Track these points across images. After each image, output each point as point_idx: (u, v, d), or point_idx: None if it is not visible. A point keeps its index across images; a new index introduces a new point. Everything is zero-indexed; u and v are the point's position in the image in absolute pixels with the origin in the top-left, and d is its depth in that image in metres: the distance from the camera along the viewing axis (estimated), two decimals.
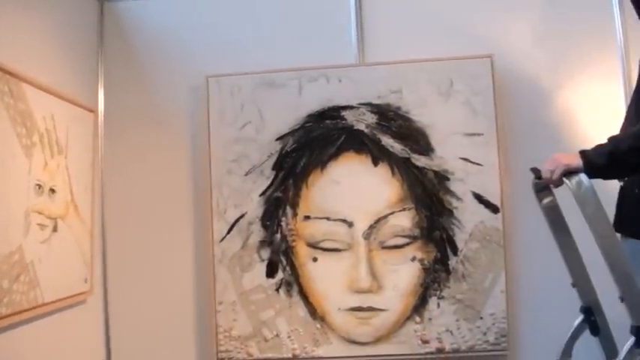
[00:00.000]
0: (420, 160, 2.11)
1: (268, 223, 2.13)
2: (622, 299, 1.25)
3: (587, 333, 1.53)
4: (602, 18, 2.19)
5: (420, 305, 2.09)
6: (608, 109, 2.12)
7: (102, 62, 2.28)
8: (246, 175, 2.14)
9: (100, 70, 2.28)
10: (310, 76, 2.15)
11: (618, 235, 1.55)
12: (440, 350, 2.08)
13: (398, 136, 2.11)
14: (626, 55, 2.16)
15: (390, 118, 2.12)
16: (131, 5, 2.29)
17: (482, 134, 2.10)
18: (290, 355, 2.10)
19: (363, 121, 2.12)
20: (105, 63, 2.29)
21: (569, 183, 1.32)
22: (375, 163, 2.11)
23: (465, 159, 2.10)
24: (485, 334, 2.08)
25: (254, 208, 2.13)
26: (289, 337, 2.11)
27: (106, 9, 2.29)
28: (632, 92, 1.87)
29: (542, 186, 1.48)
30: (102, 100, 2.28)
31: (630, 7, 1.68)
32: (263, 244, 2.13)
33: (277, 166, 2.13)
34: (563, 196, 1.41)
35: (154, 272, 2.22)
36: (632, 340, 1.24)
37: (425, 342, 2.08)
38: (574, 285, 1.52)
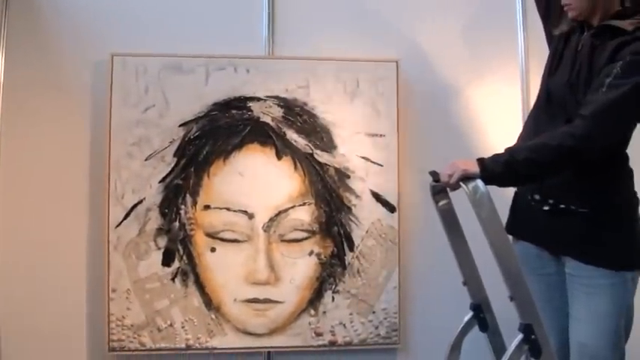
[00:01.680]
0: (322, 157, 2.14)
1: (167, 210, 2.08)
2: (511, 298, 1.32)
3: (476, 329, 1.59)
4: (506, 30, 2.31)
5: (315, 298, 2.13)
6: (507, 118, 2.25)
7: (5, 31, 2.14)
8: (147, 160, 2.08)
9: (3, 39, 2.13)
10: (218, 65, 2.12)
11: (510, 237, 1.65)
12: (333, 343, 2.12)
13: (302, 132, 2.13)
14: (526, 66, 2.29)
15: (296, 113, 2.13)
16: None
17: (384, 135, 2.17)
18: (183, 346, 2.07)
19: (269, 114, 2.12)
20: (8, 32, 2.14)
21: (466, 187, 1.37)
22: (279, 156, 2.12)
23: (366, 158, 2.16)
24: (377, 327, 2.15)
25: (153, 194, 2.08)
26: (183, 327, 2.08)
27: None
28: (530, 103, 2.00)
29: (439, 189, 1.53)
30: (2, 70, 2.13)
31: (533, 19, 1.78)
32: (160, 231, 2.08)
33: (179, 153, 2.09)
34: (459, 199, 1.46)
35: (45, 255, 2.11)
36: (520, 336, 1.32)
37: (318, 335, 2.12)
38: (465, 283, 1.58)
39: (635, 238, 1.52)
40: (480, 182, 1.37)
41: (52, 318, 2.11)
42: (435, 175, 1.48)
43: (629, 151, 1.55)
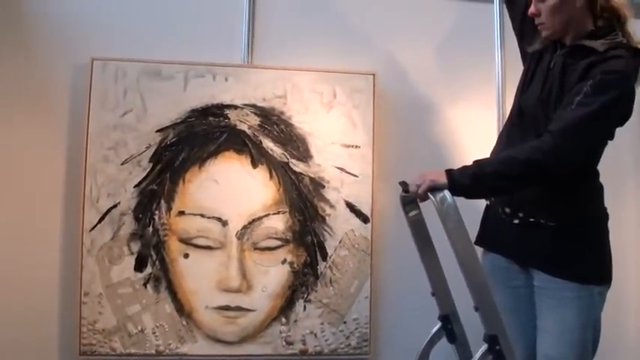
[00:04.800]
0: (298, 166, 2.15)
1: (141, 215, 2.08)
2: (476, 309, 1.34)
3: (444, 339, 1.61)
4: (483, 44, 2.36)
5: (286, 307, 2.13)
6: (482, 131, 2.29)
7: None
8: (123, 164, 2.08)
9: None
10: (197, 72, 2.13)
11: (480, 249, 1.68)
12: (303, 352, 2.13)
13: (279, 141, 2.15)
14: (503, 81, 2.34)
15: (273, 122, 2.15)
16: None
17: (360, 146, 2.19)
18: (153, 352, 2.06)
19: (246, 122, 2.14)
20: None
21: (434, 198, 1.40)
22: (255, 164, 2.13)
23: (341, 169, 2.18)
24: (348, 337, 2.15)
25: (128, 198, 2.08)
26: (154, 333, 2.07)
27: None
28: (505, 116, 2.03)
29: (410, 200, 1.54)
30: None
31: (511, 34, 1.82)
32: (134, 236, 2.08)
33: (155, 159, 2.09)
34: (432, 211, 1.47)
35: (18, 257, 2.09)
36: (484, 346, 1.34)
37: (289, 343, 2.13)
38: (433, 294, 1.59)
39: (603, 252, 1.55)
40: (447, 193, 1.39)
41: (23, 320, 2.09)
42: (404, 185, 1.50)
43: (600, 166, 1.58)
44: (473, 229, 1.62)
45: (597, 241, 1.55)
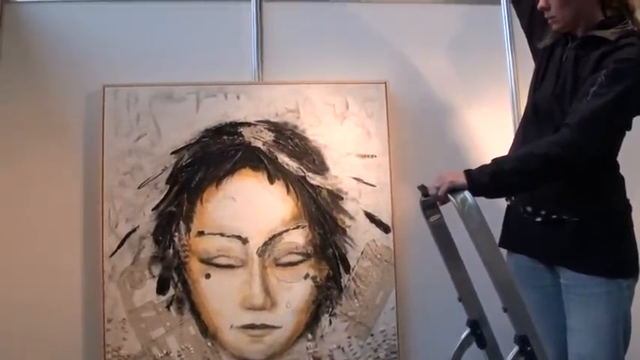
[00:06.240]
0: (314, 179, 2.14)
1: (160, 238, 2.08)
2: (505, 309, 1.31)
3: (474, 345, 1.56)
4: (494, 47, 2.34)
5: (312, 322, 2.11)
6: (498, 134, 2.26)
7: None
8: (140, 188, 2.09)
9: None
10: (209, 92, 2.14)
11: (504, 250, 1.64)
12: None
13: (294, 155, 2.14)
14: (516, 81, 2.32)
15: (287, 136, 2.15)
16: (32, 8, 2.21)
17: (376, 156, 2.18)
18: None
19: (260, 139, 2.14)
20: (0, 66, 2.18)
21: (454, 200, 1.37)
22: (271, 180, 2.13)
23: (359, 179, 2.16)
24: (376, 350, 2.12)
25: (146, 222, 2.08)
26: (179, 355, 2.05)
27: (5, 9, 2.19)
28: (519, 116, 2.01)
29: (430, 204, 1.50)
30: None
31: (521, 36, 1.82)
32: (154, 259, 2.07)
33: (172, 180, 2.10)
34: (453, 216, 1.44)
35: (40, 288, 2.09)
36: (515, 348, 1.31)
37: (317, 359, 2.09)
38: (460, 299, 1.55)
39: (628, 244, 1.52)
40: (467, 194, 1.37)
41: (48, 350, 2.08)
42: (423, 189, 1.47)
43: (622, 157, 1.55)
44: (495, 230, 1.59)
45: (622, 234, 1.52)
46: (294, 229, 2.12)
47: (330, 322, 2.11)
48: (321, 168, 2.15)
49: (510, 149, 1.68)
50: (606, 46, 1.43)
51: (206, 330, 2.07)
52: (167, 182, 2.10)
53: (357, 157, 2.17)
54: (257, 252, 2.10)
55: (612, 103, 1.37)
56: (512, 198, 1.69)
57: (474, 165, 1.46)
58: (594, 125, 1.39)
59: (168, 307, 2.07)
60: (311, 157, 2.15)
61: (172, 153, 2.11)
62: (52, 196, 2.14)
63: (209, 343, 2.07)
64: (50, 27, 2.21)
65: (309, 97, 2.18)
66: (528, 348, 1.30)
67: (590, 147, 1.40)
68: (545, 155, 1.39)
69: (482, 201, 1.39)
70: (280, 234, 2.11)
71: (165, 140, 2.12)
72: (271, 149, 2.14)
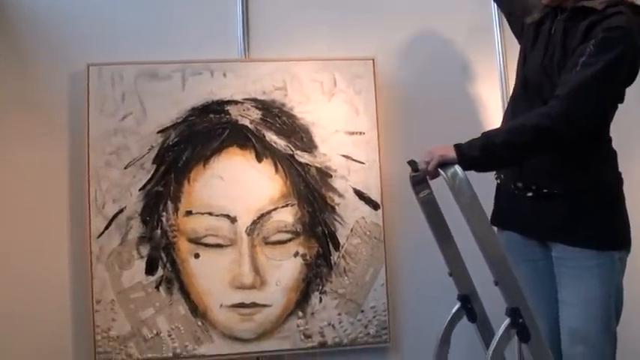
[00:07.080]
0: (303, 157, 2.13)
1: (148, 218, 2.06)
2: (496, 283, 1.32)
3: (464, 320, 1.58)
4: (483, 24, 2.34)
5: (302, 300, 2.11)
6: (487, 109, 2.27)
7: None
8: (126, 168, 2.06)
9: None
10: (194, 70, 2.11)
11: (495, 227, 1.65)
12: (322, 344, 2.10)
13: (282, 133, 2.13)
14: (504, 58, 2.31)
15: (275, 114, 2.13)
16: None
17: (364, 133, 2.17)
18: (170, 355, 2.04)
19: (247, 117, 2.12)
20: None
21: (445, 174, 1.37)
22: (259, 159, 2.11)
23: (347, 156, 2.15)
24: (366, 327, 2.13)
25: (133, 202, 2.06)
26: (170, 335, 2.05)
27: None
28: (508, 94, 2.01)
29: (419, 179, 1.51)
30: None
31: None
32: (142, 240, 2.05)
33: (158, 160, 2.07)
34: (443, 191, 1.44)
35: (27, 270, 2.07)
36: (507, 320, 1.32)
37: (307, 337, 2.10)
38: (451, 274, 1.56)
39: (620, 217, 1.53)
40: (458, 168, 1.37)
41: (37, 331, 2.07)
42: (413, 164, 1.47)
43: (614, 133, 1.55)
44: (486, 205, 1.59)
45: (613, 206, 1.53)
46: (282, 207, 2.11)
47: (321, 300, 2.12)
48: (309, 146, 2.14)
49: (501, 125, 1.68)
50: (594, 16, 1.43)
51: (196, 309, 2.06)
52: (154, 162, 2.07)
53: (345, 134, 2.16)
54: (246, 231, 2.09)
55: (602, 73, 1.37)
56: (502, 176, 1.69)
57: (464, 140, 1.45)
58: (584, 95, 1.39)
59: (157, 287, 2.05)
60: (299, 134, 2.14)
61: (159, 132, 2.08)
62: (37, 177, 2.11)
63: (199, 323, 2.06)
64: (32, 6, 2.16)
65: (297, 74, 2.15)
66: (520, 320, 1.31)
67: (581, 118, 1.39)
68: (535, 127, 1.39)
69: (472, 176, 1.39)
70: (269, 212, 2.10)
71: (151, 119, 2.09)
72: (259, 127, 2.12)
